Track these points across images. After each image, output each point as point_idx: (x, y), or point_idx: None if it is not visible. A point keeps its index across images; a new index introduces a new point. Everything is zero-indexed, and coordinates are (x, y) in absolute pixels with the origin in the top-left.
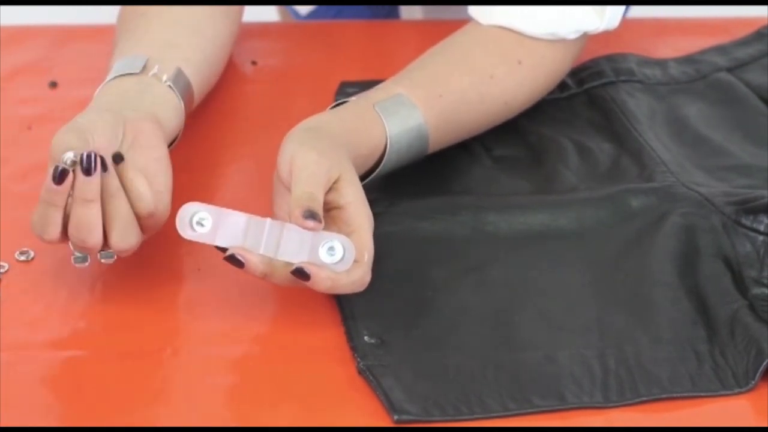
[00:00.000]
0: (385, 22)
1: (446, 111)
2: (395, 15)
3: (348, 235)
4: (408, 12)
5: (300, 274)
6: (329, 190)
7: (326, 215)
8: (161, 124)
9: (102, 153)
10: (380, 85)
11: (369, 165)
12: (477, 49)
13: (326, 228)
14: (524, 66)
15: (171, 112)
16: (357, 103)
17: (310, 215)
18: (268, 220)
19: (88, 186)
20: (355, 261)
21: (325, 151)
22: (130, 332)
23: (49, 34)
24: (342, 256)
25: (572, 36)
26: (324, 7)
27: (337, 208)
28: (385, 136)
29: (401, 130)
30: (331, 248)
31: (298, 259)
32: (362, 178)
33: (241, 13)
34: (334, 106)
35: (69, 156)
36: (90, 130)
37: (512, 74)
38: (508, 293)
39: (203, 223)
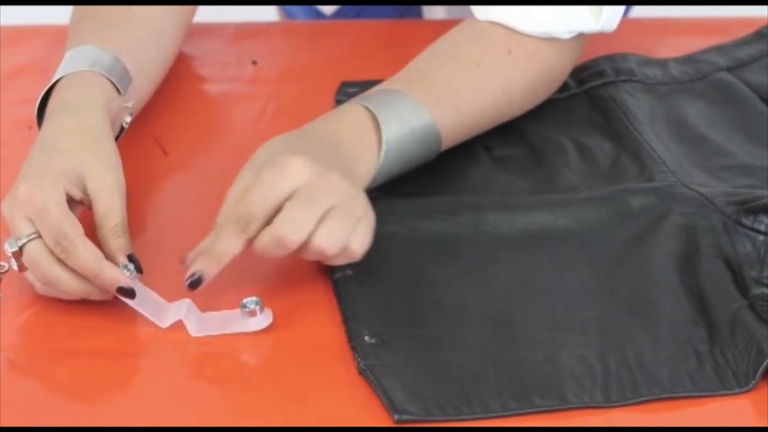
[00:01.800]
0: (392, 22)
1: (433, 93)
2: (417, 14)
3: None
4: (430, 12)
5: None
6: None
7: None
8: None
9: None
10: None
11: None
12: (463, 40)
13: None
14: (514, 55)
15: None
16: (352, 108)
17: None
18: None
19: None
20: None
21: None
22: (131, 332)
23: (49, 34)
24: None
25: (566, 36)
26: (348, 6)
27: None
28: (381, 133)
29: (388, 119)
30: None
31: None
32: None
33: (192, 13)
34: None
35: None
36: None
37: (502, 62)
38: (509, 293)
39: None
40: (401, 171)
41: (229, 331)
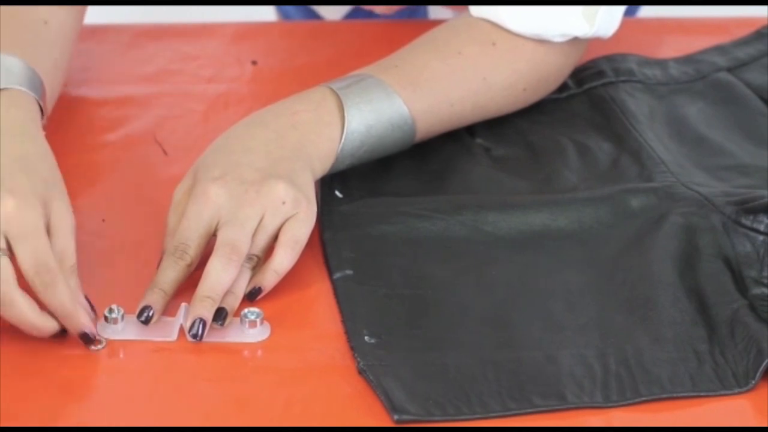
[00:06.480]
0: (393, 22)
1: (406, 79)
2: (424, 16)
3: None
4: (435, 12)
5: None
6: None
7: None
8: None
9: None
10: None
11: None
12: (447, 32)
13: None
14: (499, 48)
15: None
16: (318, 89)
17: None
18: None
19: None
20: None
21: None
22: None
23: None
24: None
25: (558, 39)
26: (356, 10)
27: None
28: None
29: (353, 99)
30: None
31: None
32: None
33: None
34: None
35: None
36: None
37: (485, 53)
38: (508, 293)
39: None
40: (372, 155)
41: (226, 340)
